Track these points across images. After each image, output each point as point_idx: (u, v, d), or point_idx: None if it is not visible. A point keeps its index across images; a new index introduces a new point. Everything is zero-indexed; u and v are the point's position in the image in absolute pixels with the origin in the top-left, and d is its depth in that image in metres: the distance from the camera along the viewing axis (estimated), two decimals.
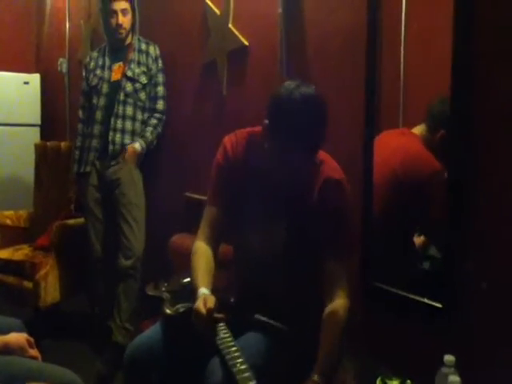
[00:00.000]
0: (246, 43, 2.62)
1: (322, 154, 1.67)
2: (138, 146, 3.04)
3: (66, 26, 4.54)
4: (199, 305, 1.51)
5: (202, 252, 1.72)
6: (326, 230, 1.60)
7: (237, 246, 1.85)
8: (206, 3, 2.86)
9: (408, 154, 1.94)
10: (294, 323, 1.63)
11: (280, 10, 2.32)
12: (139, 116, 3.09)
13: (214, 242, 1.75)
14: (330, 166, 1.66)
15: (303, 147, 1.52)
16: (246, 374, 1.37)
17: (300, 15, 2.28)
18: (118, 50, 3.16)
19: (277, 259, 1.68)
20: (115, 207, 3.02)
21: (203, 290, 1.58)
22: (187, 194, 3.04)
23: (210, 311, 1.49)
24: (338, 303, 1.53)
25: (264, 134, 1.59)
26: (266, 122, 1.57)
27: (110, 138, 3.01)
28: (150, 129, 3.10)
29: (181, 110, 3.21)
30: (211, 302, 1.52)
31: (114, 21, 3.04)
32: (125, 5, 3.04)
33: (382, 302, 1.91)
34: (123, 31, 3.07)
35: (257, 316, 1.68)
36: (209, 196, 1.77)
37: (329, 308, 1.53)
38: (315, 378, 1.39)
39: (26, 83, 4.74)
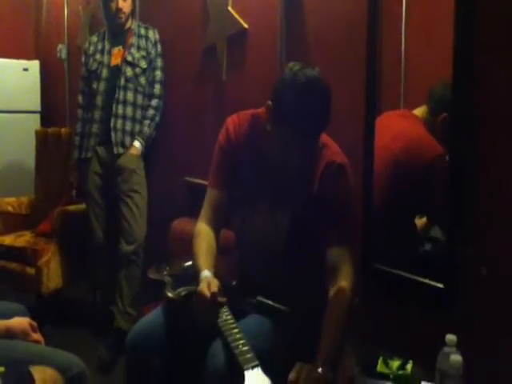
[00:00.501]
0: (246, 26, 2.60)
1: (325, 138, 1.66)
2: (138, 145, 3.04)
3: (64, 12, 4.50)
4: (203, 288, 1.51)
5: (204, 234, 1.71)
6: (329, 215, 1.59)
7: (239, 229, 1.85)
8: None
9: (410, 139, 1.93)
10: (295, 306, 1.64)
11: None
12: (140, 101, 3.08)
13: (215, 224, 1.74)
14: (332, 149, 1.64)
15: (306, 131, 1.51)
16: (248, 356, 1.38)
17: None
18: (117, 34, 3.13)
19: (279, 243, 1.68)
20: (117, 193, 3.02)
21: (206, 273, 1.57)
22: (187, 178, 3.04)
23: (213, 295, 1.48)
24: (341, 287, 1.52)
25: (267, 116, 1.58)
26: (270, 103, 1.56)
27: (112, 124, 3.00)
28: (147, 122, 3.07)
29: (180, 95, 3.19)
30: (215, 285, 1.51)
31: (113, 5, 3.01)
32: None
33: (384, 284, 1.92)
34: (123, 15, 3.04)
35: (259, 298, 1.68)
36: (211, 178, 1.76)
37: (332, 292, 1.52)
38: (319, 369, 1.35)
39: (26, 70, 4.71)
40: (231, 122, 1.74)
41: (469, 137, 1.59)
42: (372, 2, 1.89)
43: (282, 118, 1.52)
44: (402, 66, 1.89)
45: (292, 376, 1.30)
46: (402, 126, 1.96)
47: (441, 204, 1.75)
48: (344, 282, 1.53)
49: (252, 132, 1.71)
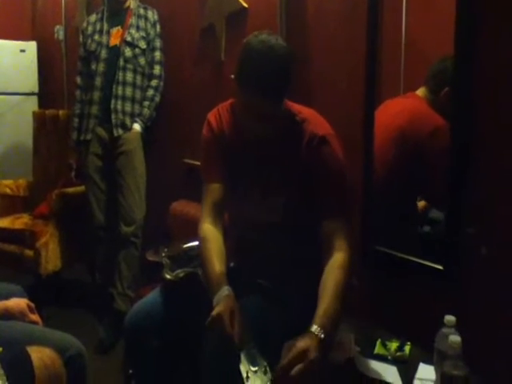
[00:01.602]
0: (245, 5, 2.57)
1: (306, 112, 1.66)
2: (137, 127, 3.02)
3: None
4: (224, 316, 1.39)
5: (212, 239, 1.64)
6: (320, 188, 1.58)
7: (233, 212, 1.84)
8: None
9: (413, 112, 1.93)
10: (294, 286, 1.63)
11: None
12: (139, 82, 3.05)
13: (220, 222, 1.69)
14: (313, 122, 1.63)
15: (262, 92, 1.49)
16: (245, 336, 1.37)
17: None
18: (116, 14, 3.09)
19: (273, 223, 1.67)
20: (116, 174, 3.01)
21: (226, 291, 1.48)
22: (186, 160, 3.02)
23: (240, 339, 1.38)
24: (338, 256, 1.49)
25: (233, 89, 1.58)
26: (232, 76, 1.56)
27: (113, 105, 2.97)
28: (147, 103, 3.05)
29: (179, 76, 3.16)
30: (240, 323, 1.40)
31: None
32: None
33: (383, 265, 1.91)
34: None
35: (259, 281, 1.67)
36: (205, 174, 1.73)
37: (328, 262, 1.50)
38: (313, 329, 1.32)
39: (23, 51, 4.66)
40: (212, 115, 1.75)
41: (470, 111, 1.57)
42: None
43: (239, 83, 1.53)
44: (403, 44, 1.88)
45: (283, 363, 1.27)
46: (406, 103, 1.97)
47: (441, 180, 1.73)
48: (341, 253, 1.50)
49: (233, 120, 1.71)
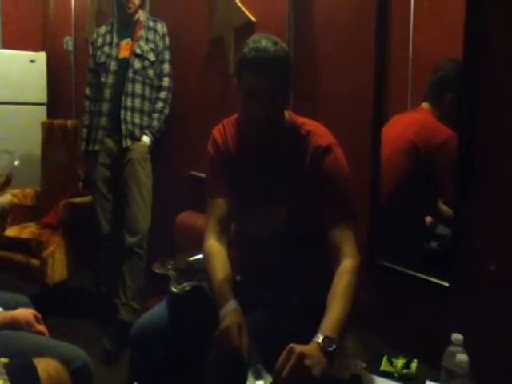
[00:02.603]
0: (253, 19, 2.59)
1: (310, 124, 1.67)
2: (146, 139, 3.04)
3: (71, 4, 4.50)
4: (232, 330, 1.39)
5: (217, 255, 1.64)
6: (325, 197, 1.58)
7: (239, 226, 1.84)
8: None
9: (423, 124, 1.94)
10: (300, 298, 1.63)
11: None
12: (147, 94, 3.07)
13: (224, 236, 1.70)
14: (317, 134, 1.63)
15: (263, 81, 1.51)
16: (251, 353, 1.37)
17: None
18: (126, 26, 3.13)
19: (280, 237, 1.67)
20: (123, 185, 3.02)
21: (233, 305, 1.47)
22: (193, 172, 3.03)
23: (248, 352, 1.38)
24: (347, 263, 1.48)
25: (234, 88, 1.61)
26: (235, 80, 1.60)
27: (122, 116, 3.00)
28: (156, 115, 3.08)
29: (187, 88, 3.18)
30: (246, 338, 1.39)
31: None
32: None
33: (389, 281, 1.91)
34: (132, 6, 3.05)
35: (265, 294, 1.67)
36: (209, 189, 1.74)
37: (338, 269, 1.48)
38: (319, 339, 1.29)
39: (32, 61, 4.70)
40: (217, 131, 1.76)
41: (478, 115, 1.58)
42: None
43: (239, 86, 1.56)
44: (410, 57, 1.89)
45: (278, 364, 1.24)
46: (414, 116, 1.98)
47: (449, 193, 1.73)
48: (349, 259, 1.49)
49: (238, 134, 1.72)
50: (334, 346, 1.28)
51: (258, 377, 1.32)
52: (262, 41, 1.52)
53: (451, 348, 1.32)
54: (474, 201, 1.61)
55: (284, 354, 1.25)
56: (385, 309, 1.92)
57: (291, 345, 1.26)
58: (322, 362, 1.25)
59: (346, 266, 1.48)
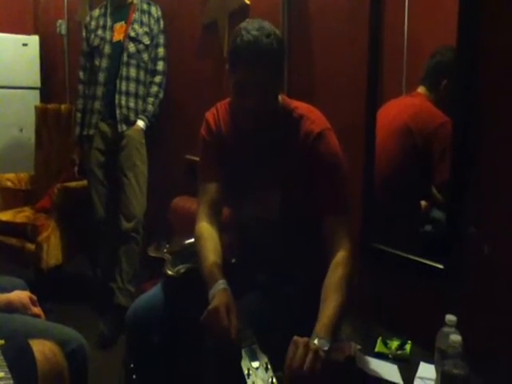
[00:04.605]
0: (248, 2, 2.57)
1: (303, 108, 1.65)
2: (141, 123, 3.03)
3: None
4: (220, 309, 1.38)
5: (207, 236, 1.64)
6: (319, 184, 1.57)
7: (234, 209, 1.84)
8: None
9: (418, 108, 1.94)
10: (296, 282, 1.64)
11: None
12: (142, 77, 3.05)
13: (216, 220, 1.69)
14: (310, 119, 1.61)
15: (254, 75, 1.49)
16: (246, 333, 1.38)
17: None
18: (119, 9, 3.10)
19: (274, 222, 1.67)
20: (118, 170, 3.01)
21: (221, 284, 1.47)
22: (188, 156, 3.02)
23: (236, 337, 1.36)
24: (340, 255, 1.49)
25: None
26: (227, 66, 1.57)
27: (117, 101, 2.98)
28: (151, 100, 3.06)
29: (181, 72, 3.16)
30: (234, 319, 1.38)
31: None
32: None
33: (383, 264, 1.92)
34: None
35: (259, 277, 1.67)
36: (202, 173, 1.73)
37: (331, 261, 1.49)
38: (316, 340, 1.31)
39: (25, 45, 4.65)
40: (210, 114, 1.75)
41: (472, 104, 1.57)
42: None
43: (231, 71, 1.54)
44: (405, 44, 1.89)
45: (289, 353, 1.29)
46: (409, 101, 1.98)
47: (444, 178, 1.73)
48: (343, 251, 1.50)
49: (231, 118, 1.71)
50: (327, 347, 1.30)
51: (254, 358, 1.32)
52: (254, 32, 1.48)
53: (445, 329, 1.33)
54: (468, 186, 1.61)
55: (291, 347, 1.27)
56: (379, 291, 1.93)
57: (295, 337, 1.29)
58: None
59: (340, 258, 1.49)
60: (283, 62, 1.59)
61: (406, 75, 1.94)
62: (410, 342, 1.62)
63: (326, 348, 1.29)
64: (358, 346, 1.56)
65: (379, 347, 1.61)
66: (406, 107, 1.96)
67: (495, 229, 1.56)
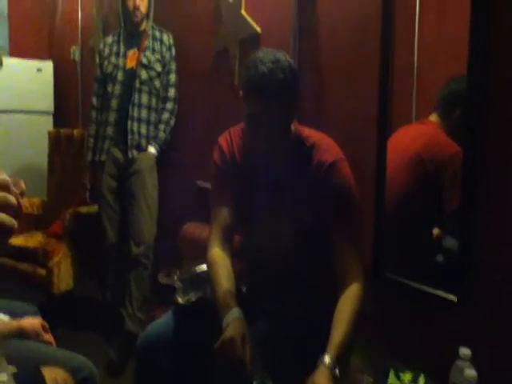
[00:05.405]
0: (259, 30, 2.60)
1: (316, 136, 1.66)
2: (153, 150, 3.06)
3: (78, 14, 4.53)
4: (235, 338, 1.38)
5: (221, 263, 1.64)
6: (330, 214, 1.58)
7: (245, 237, 1.84)
8: None
9: (431, 137, 1.92)
10: (306, 310, 1.63)
11: None
12: (154, 104, 3.09)
13: (228, 246, 1.70)
14: (322, 148, 1.62)
15: (267, 109, 1.50)
16: (257, 366, 1.37)
17: (313, 3, 2.25)
18: (132, 36, 3.16)
19: (285, 248, 1.67)
20: (129, 195, 3.03)
21: (235, 313, 1.47)
22: (198, 182, 3.04)
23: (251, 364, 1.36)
24: (352, 286, 1.50)
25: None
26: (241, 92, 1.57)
27: (129, 126, 3.02)
28: (162, 126, 3.09)
29: (192, 98, 3.19)
30: (249, 349, 1.38)
31: (131, 3, 3.05)
32: None
33: (395, 294, 1.90)
34: (139, 14, 3.08)
35: (271, 306, 1.67)
36: (214, 198, 1.74)
37: (343, 292, 1.50)
38: (327, 361, 1.34)
39: (39, 70, 4.73)
40: (223, 139, 1.76)
41: (484, 133, 1.57)
42: (385, 9, 1.89)
43: (245, 100, 1.54)
44: (415, 72, 1.89)
45: None
46: (422, 129, 1.96)
47: (455, 211, 1.73)
48: (354, 282, 1.51)
49: (243, 144, 1.72)
50: (337, 371, 1.33)
51: None
52: (269, 64, 1.48)
53: (459, 362, 1.31)
54: (481, 214, 1.60)
55: None
56: (392, 322, 1.91)
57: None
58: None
59: (353, 291, 1.50)
60: (298, 94, 1.58)
61: (415, 102, 1.95)
62: (423, 374, 1.60)
63: (337, 371, 1.32)
64: (371, 379, 1.54)
65: (392, 380, 1.58)
66: (419, 136, 1.95)
67: (507, 258, 1.54)
